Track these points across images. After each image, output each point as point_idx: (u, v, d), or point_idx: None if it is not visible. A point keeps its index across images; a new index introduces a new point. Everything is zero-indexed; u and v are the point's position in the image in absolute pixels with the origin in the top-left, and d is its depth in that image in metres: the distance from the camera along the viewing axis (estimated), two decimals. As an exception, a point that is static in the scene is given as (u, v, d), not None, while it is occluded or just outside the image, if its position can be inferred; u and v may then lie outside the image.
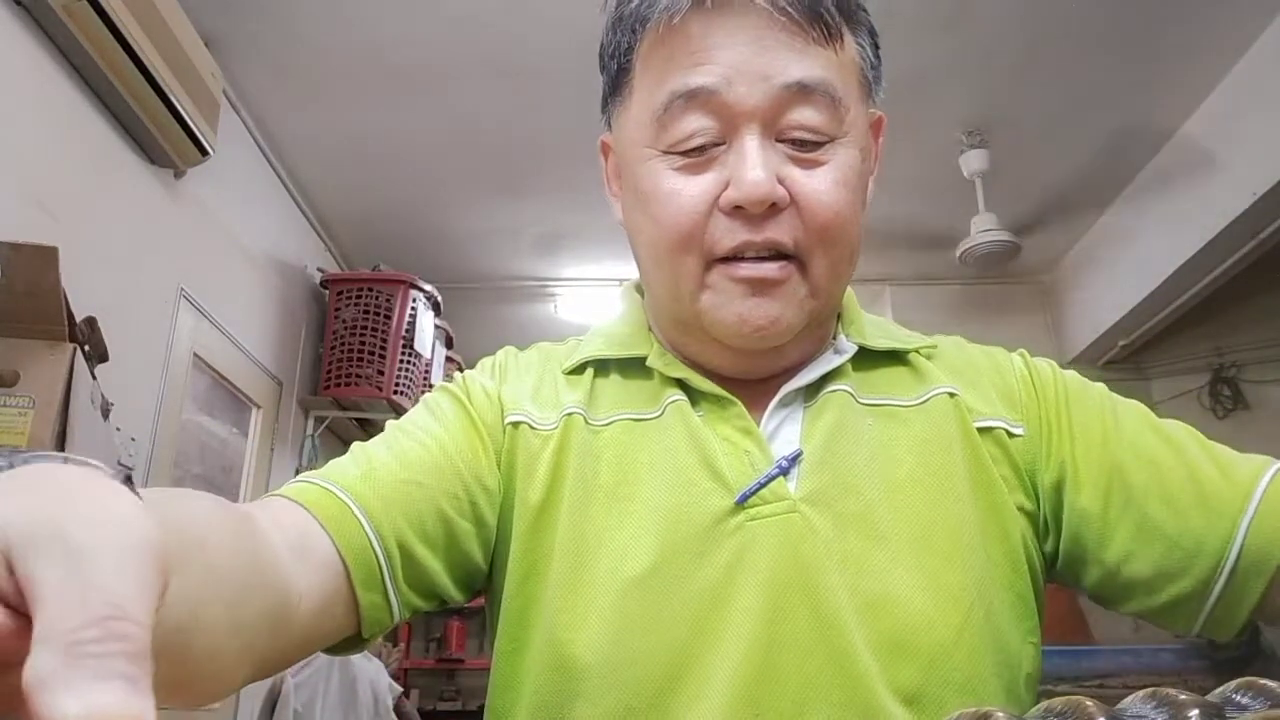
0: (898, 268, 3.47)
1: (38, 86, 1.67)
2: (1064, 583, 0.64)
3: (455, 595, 0.61)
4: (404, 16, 2.18)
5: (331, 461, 0.60)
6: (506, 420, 0.64)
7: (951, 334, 0.73)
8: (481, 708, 0.64)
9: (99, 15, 1.66)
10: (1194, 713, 0.23)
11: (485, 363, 0.71)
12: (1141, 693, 0.25)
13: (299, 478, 0.58)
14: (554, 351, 0.72)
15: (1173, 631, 0.59)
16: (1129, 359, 3.35)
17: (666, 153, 0.61)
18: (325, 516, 0.54)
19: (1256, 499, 0.56)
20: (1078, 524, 0.60)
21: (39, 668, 0.20)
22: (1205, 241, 2.59)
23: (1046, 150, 2.76)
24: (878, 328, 0.70)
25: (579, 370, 0.68)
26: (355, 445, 0.61)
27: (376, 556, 0.55)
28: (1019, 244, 2.79)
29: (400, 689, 2.77)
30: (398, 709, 2.69)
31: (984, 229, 2.76)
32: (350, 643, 0.56)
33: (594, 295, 3.64)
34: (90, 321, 1.44)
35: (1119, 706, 0.25)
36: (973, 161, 2.69)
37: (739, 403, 0.62)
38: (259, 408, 2.72)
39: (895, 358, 0.67)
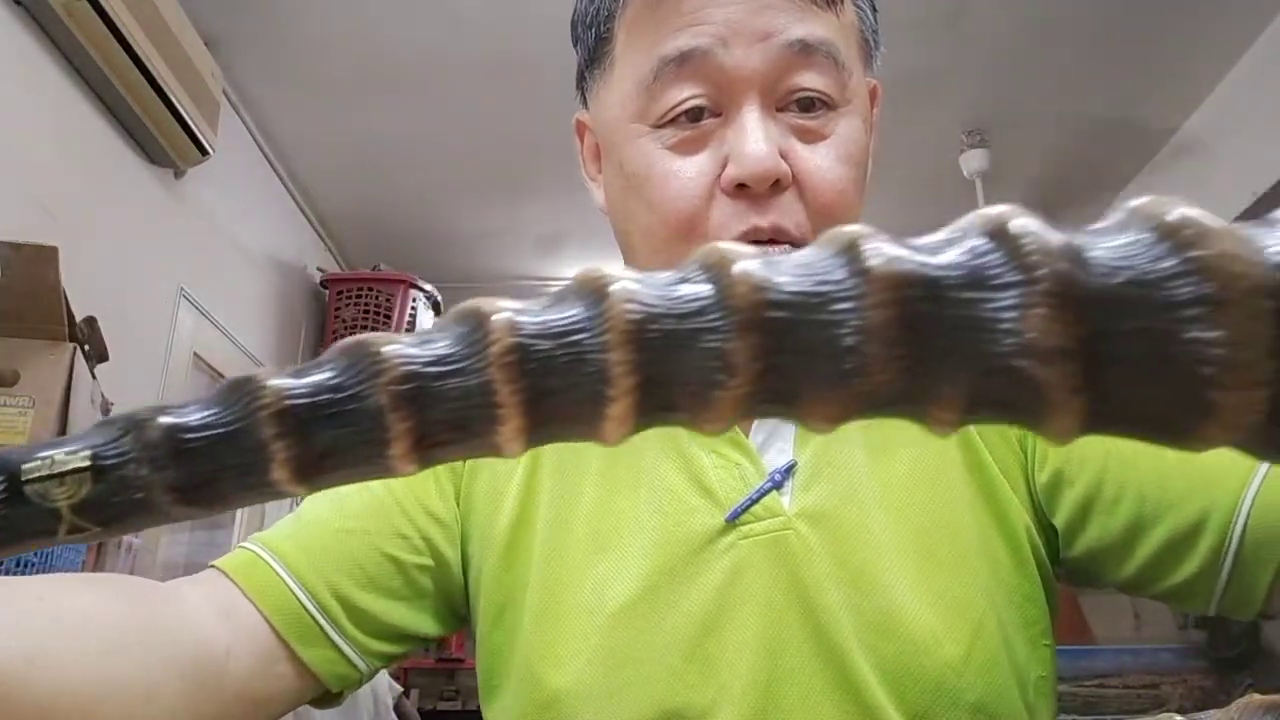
0: (898, 268, 3.47)
1: (38, 86, 1.67)
2: (1079, 583, 0.60)
3: (429, 632, 0.59)
4: (404, 16, 2.18)
5: (282, 519, 0.59)
6: None
7: None
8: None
9: (99, 15, 1.66)
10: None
11: None
12: None
13: (238, 544, 0.58)
14: None
15: (1192, 612, 0.54)
16: (1129, 359, 3.34)
17: (656, 127, 0.56)
18: (245, 580, 0.53)
19: (1263, 470, 0.50)
20: (1077, 518, 0.56)
21: None
22: (1205, 241, 2.59)
23: (1046, 150, 2.76)
24: None
25: None
26: (307, 498, 0.60)
27: (308, 611, 0.54)
28: (1019, 244, 2.78)
29: (400, 688, 2.77)
30: (398, 708, 2.68)
31: (984, 229, 2.76)
32: (326, 699, 0.56)
33: (594, 295, 3.64)
34: (90, 321, 1.44)
35: None
36: (973, 161, 2.68)
37: None
38: (259, 407, 2.71)
39: None
